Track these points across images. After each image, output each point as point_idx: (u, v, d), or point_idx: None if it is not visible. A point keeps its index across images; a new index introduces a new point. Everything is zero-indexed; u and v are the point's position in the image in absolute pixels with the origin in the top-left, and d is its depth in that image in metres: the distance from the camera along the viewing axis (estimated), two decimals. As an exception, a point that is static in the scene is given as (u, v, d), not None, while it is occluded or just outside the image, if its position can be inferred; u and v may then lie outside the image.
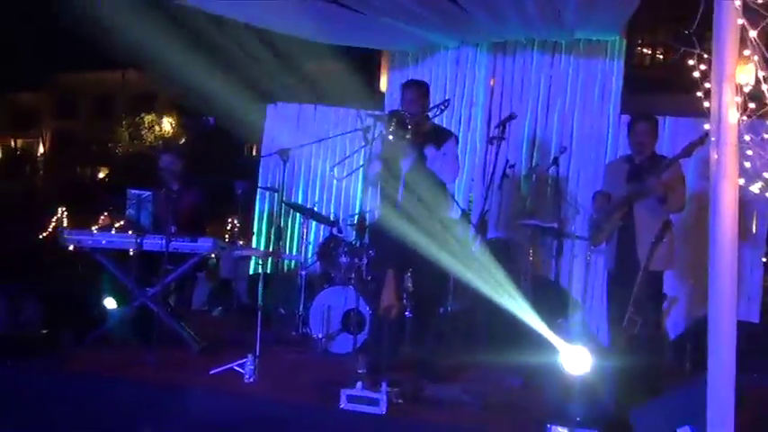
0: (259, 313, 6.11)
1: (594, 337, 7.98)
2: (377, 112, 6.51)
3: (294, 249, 9.13)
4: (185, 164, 7.25)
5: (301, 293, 7.68)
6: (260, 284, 6.27)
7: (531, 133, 8.75)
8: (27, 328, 6.34)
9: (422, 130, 6.03)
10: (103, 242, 6.80)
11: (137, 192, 6.69)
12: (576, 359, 4.80)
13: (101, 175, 35.35)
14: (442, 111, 6.29)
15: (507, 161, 7.66)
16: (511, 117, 5.89)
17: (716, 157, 3.88)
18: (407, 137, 5.74)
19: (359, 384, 5.07)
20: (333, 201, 9.58)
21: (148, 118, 34.43)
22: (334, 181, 9.26)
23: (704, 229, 7.48)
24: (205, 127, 6.28)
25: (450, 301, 7.03)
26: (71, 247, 7.03)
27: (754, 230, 8.05)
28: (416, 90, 6.15)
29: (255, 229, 9.71)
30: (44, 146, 38.14)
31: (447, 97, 7.46)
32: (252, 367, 5.75)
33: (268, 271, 9.16)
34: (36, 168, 37.44)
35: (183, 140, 30.43)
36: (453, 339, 7.11)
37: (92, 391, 5.56)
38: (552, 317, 7.44)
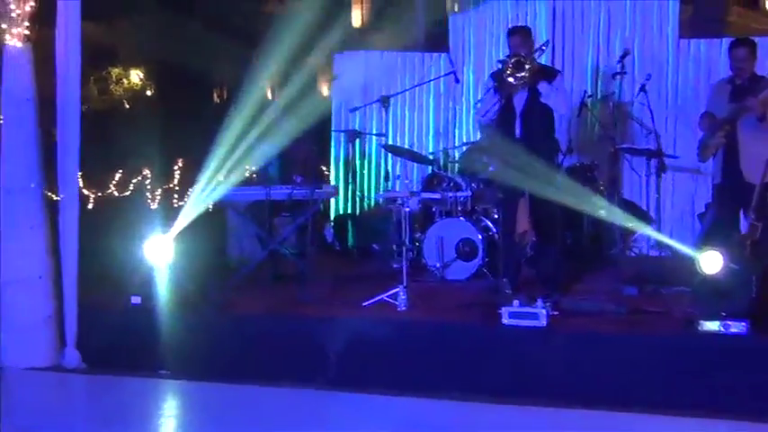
0: (404, 249, 6.65)
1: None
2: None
3: (381, 189, 9.58)
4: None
5: (405, 228, 8.22)
6: (407, 224, 6.87)
7: (594, 63, 9.27)
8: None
9: (533, 69, 6.59)
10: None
11: None
12: (710, 261, 5.42)
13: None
14: (543, 51, 6.95)
15: (585, 92, 8.23)
16: (626, 53, 6.45)
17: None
18: (525, 76, 6.33)
19: (515, 302, 5.56)
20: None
21: (115, 71, 33.96)
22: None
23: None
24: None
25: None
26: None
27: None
28: (523, 35, 6.75)
29: (333, 174, 10.22)
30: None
31: (546, 39, 8.05)
32: (404, 297, 6.22)
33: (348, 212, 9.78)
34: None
35: (152, 92, 30.13)
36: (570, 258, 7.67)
37: (259, 331, 6.01)
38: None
